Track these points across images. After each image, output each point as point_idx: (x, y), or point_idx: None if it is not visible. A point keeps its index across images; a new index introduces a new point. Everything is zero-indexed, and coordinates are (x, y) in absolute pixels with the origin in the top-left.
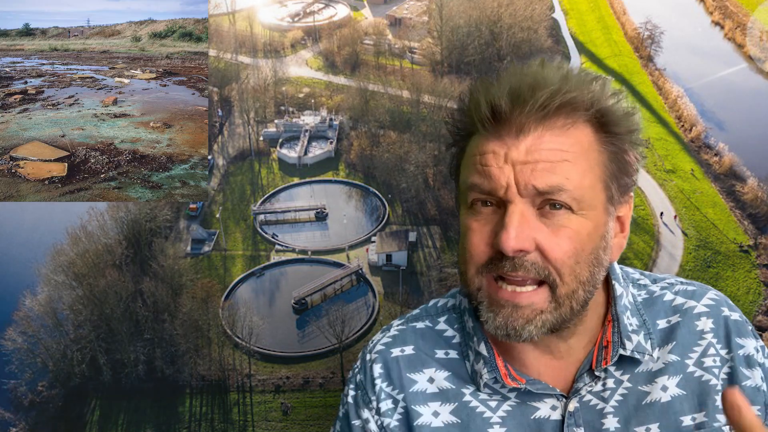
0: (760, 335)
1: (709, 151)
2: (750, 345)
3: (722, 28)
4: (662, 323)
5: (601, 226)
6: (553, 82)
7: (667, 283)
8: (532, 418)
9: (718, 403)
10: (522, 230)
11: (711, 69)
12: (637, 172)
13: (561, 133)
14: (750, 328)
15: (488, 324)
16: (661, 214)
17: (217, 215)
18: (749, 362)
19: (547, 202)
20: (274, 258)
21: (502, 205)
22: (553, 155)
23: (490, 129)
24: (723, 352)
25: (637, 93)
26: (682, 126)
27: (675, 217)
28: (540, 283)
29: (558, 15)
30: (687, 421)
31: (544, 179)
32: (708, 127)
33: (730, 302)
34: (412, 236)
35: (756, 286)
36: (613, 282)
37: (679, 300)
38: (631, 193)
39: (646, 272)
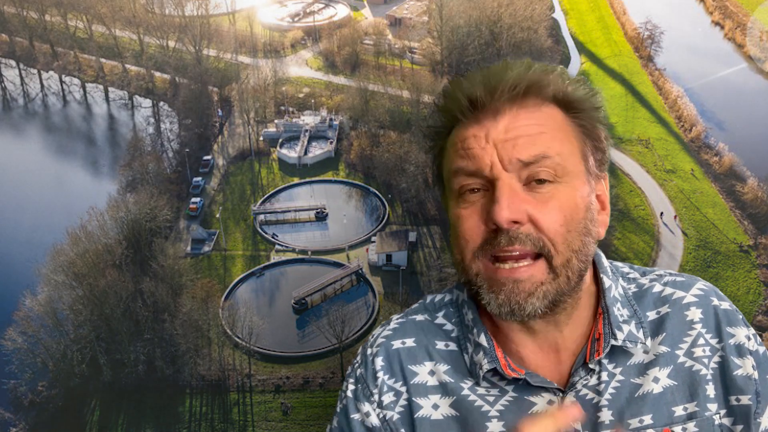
0: (760, 335)
1: (709, 151)
2: (741, 333)
3: (722, 28)
4: (652, 314)
5: (585, 195)
6: (519, 69)
7: (656, 275)
8: (529, 412)
9: (709, 392)
10: (513, 202)
11: (711, 69)
12: (609, 148)
13: (534, 110)
14: (740, 316)
15: (491, 305)
16: (661, 214)
17: (217, 215)
18: (740, 351)
19: (532, 178)
20: (274, 258)
21: (488, 187)
22: (530, 129)
23: (469, 117)
24: (713, 342)
25: (637, 93)
26: (682, 126)
27: (675, 217)
28: (536, 257)
29: (558, 15)
30: (679, 411)
31: (527, 150)
32: (708, 127)
33: (720, 292)
34: (412, 236)
35: (756, 286)
36: (602, 275)
37: (668, 290)
38: (606, 172)
39: (636, 266)
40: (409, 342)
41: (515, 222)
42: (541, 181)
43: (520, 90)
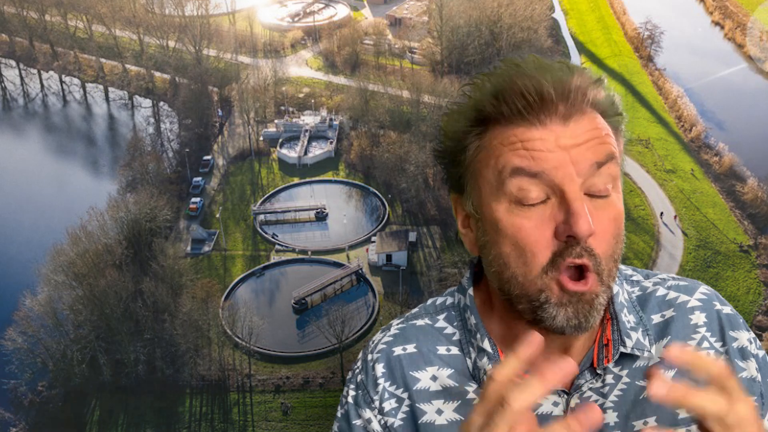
0: (760, 335)
1: (709, 151)
2: (743, 337)
3: (722, 28)
4: (656, 318)
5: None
6: (574, 75)
7: (660, 279)
8: (534, 414)
9: None
10: (587, 212)
11: (711, 69)
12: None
13: (592, 117)
14: (741, 320)
15: (556, 320)
16: (661, 214)
17: (217, 215)
18: (744, 354)
19: (589, 190)
20: (274, 258)
21: (550, 195)
22: (597, 132)
23: (532, 116)
24: (717, 345)
25: (637, 93)
26: (682, 126)
27: (675, 217)
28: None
29: (558, 15)
30: (683, 413)
31: (600, 151)
32: (708, 127)
33: (721, 297)
34: (412, 236)
35: (756, 286)
36: None
37: (672, 294)
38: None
39: (639, 269)
40: (410, 348)
41: (592, 233)
42: (593, 196)
43: (588, 100)
